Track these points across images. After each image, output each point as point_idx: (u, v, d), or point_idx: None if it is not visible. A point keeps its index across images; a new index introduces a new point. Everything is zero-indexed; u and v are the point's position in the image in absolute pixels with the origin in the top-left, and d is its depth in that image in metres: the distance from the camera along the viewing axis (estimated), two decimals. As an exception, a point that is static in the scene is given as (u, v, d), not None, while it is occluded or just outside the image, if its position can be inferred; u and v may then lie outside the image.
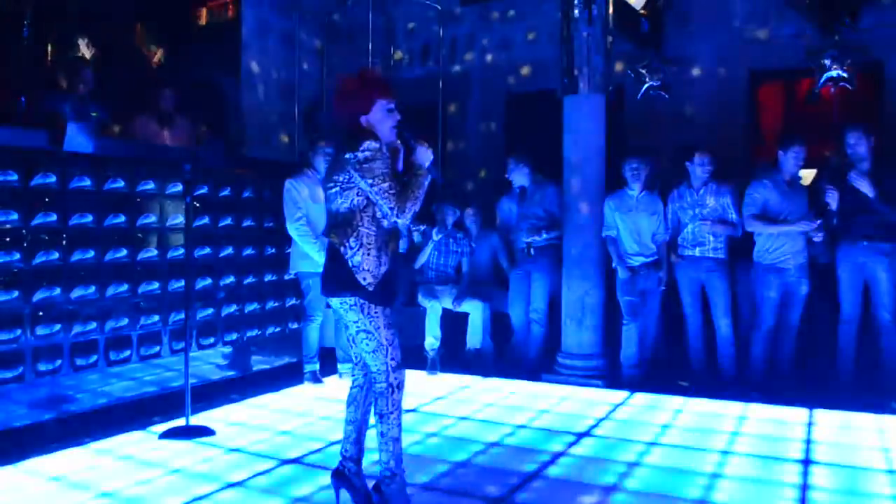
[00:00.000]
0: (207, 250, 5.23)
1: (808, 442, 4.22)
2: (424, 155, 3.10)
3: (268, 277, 5.75)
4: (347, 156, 2.96)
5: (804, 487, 3.50)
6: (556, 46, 5.92)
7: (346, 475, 3.20)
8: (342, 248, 2.99)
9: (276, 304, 5.83)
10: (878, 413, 4.74)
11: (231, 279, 5.42)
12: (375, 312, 3.00)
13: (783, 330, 5.35)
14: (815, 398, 5.03)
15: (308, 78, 7.92)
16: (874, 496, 3.41)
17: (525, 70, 7.83)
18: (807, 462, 3.87)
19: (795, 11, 6.53)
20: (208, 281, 5.24)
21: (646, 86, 6.94)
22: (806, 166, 5.63)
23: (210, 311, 5.26)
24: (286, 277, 5.78)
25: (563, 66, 5.81)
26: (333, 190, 3.04)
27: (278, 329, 5.85)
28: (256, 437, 4.32)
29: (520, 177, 6.19)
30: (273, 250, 5.76)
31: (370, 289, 2.97)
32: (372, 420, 3.15)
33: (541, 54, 7.64)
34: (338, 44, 8.40)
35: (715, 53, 7.03)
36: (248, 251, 5.56)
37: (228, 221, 5.40)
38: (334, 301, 3.06)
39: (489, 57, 8.05)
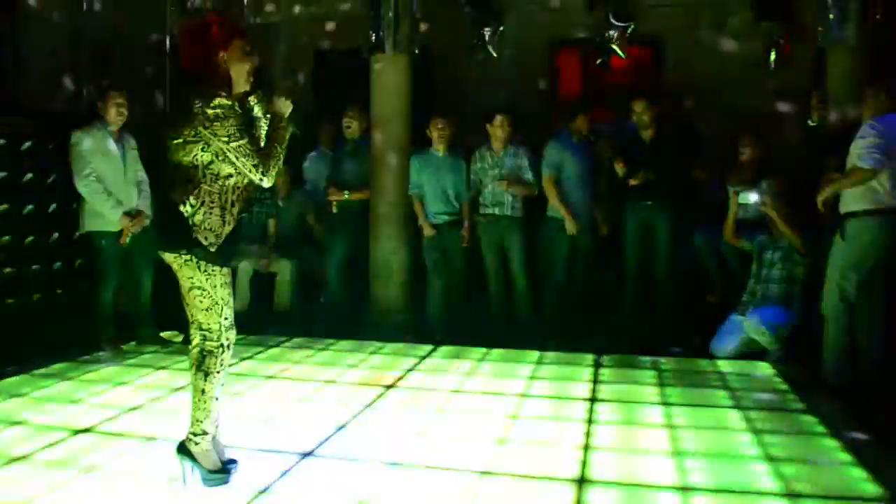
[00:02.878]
0: (-20, 207, 4.75)
1: (595, 382, 4.62)
2: (284, 106, 2.94)
3: (53, 237, 5.31)
4: (195, 109, 2.75)
5: (589, 422, 3.84)
6: (364, 4, 5.90)
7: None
8: (182, 206, 2.81)
9: (64, 266, 5.40)
10: (654, 355, 5.25)
11: (8, 238, 4.94)
12: (213, 270, 2.87)
13: (571, 282, 5.78)
14: (601, 343, 5.48)
15: (98, 22, 7.30)
16: (648, 426, 3.81)
17: (333, 27, 7.72)
18: (592, 400, 4.24)
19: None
20: (-18, 241, 4.77)
21: (483, 43, 7.04)
22: (596, 129, 6.06)
23: (-14, 274, 4.80)
24: (75, 237, 5.37)
25: (369, 24, 5.80)
26: (177, 142, 2.82)
27: (67, 292, 5.44)
28: (44, 408, 4.02)
29: (355, 129, 6.09)
30: (58, 207, 5.32)
31: (212, 249, 2.83)
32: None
33: (349, 11, 7.55)
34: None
35: (517, 21, 7.30)
36: (30, 208, 5.10)
37: (4, 175, 4.91)
38: (168, 256, 2.89)
39: (295, 10, 7.83)
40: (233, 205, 2.90)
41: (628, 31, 6.54)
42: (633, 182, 5.61)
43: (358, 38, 6.19)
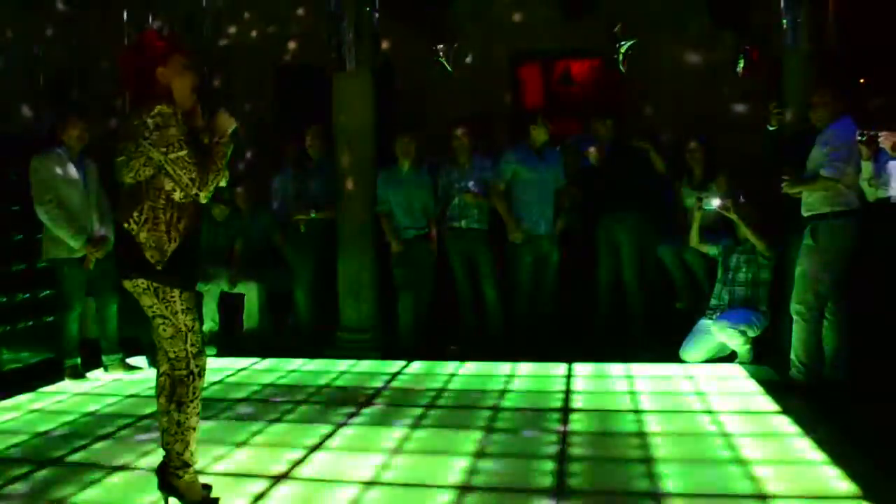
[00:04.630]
0: (-61, 238, 4.64)
1: (568, 392, 4.63)
2: (226, 122, 2.88)
3: (16, 266, 5.20)
4: (136, 121, 2.70)
5: (564, 433, 3.85)
6: (324, 22, 5.89)
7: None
8: (126, 224, 2.75)
9: (28, 296, 5.30)
10: (626, 362, 5.28)
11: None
12: (171, 296, 2.78)
13: (541, 294, 5.80)
14: (573, 353, 5.49)
15: (56, 47, 7.20)
16: (623, 433, 3.82)
17: (294, 45, 7.70)
18: (566, 410, 4.25)
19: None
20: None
21: (442, 60, 7.03)
22: (558, 139, 6.12)
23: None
24: (38, 265, 5.26)
25: (331, 42, 5.80)
26: (120, 159, 2.76)
27: (31, 322, 5.33)
28: (9, 441, 3.92)
29: (316, 150, 6.09)
30: (21, 236, 5.22)
31: (159, 268, 2.75)
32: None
33: (310, 30, 7.54)
34: (90, 10, 7.70)
35: (480, 34, 7.34)
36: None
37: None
38: (127, 284, 2.82)
39: (255, 31, 7.80)
40: (178, 220, 2.80)
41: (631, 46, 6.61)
42: (591, 157, 5.63)
43: (319, 55, 6.19)
